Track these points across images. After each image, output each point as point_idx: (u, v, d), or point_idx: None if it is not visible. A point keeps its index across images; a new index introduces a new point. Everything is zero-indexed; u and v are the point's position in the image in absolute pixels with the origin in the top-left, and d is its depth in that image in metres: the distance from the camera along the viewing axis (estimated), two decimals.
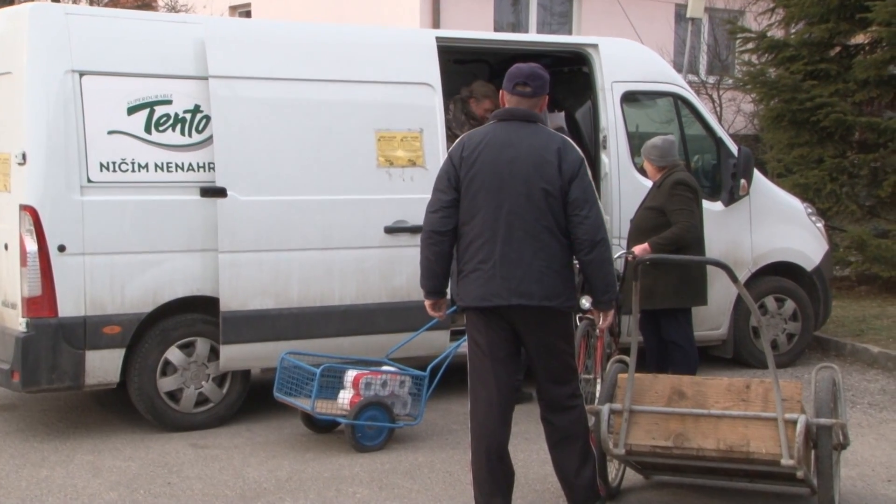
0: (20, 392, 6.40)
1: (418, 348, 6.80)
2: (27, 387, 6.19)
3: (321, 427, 6.38)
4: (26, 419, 6.88)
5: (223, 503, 5.21)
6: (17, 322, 6.19)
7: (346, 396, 6.19)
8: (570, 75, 8.39)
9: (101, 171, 6.24)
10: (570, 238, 4.61)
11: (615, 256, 6.34)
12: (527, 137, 4.61)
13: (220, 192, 6.45)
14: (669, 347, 6.70)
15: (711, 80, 16.64)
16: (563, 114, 8.24)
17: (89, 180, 6.21)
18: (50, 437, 6.41)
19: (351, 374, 6.24)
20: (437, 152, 6.97)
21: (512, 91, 4.68)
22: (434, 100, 7.11)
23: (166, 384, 6.48)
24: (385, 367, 6.39)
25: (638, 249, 6.52)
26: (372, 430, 6.07)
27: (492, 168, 4.58)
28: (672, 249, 6.47)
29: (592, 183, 4.66)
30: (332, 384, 6.25)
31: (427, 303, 4.85)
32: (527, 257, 4.55)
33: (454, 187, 4.64)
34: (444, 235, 4.65)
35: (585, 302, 5.76)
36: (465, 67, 8.72)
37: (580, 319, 6.15)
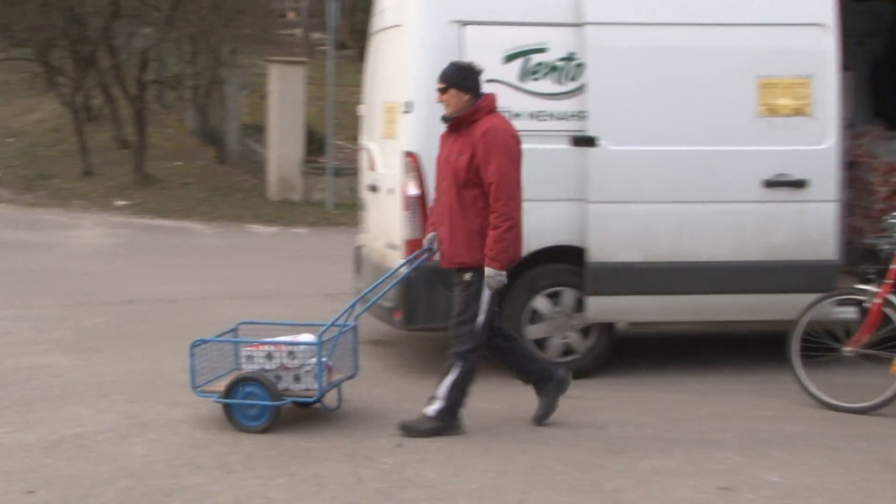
0: (400, 330, 6.80)
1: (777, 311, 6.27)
2: (407, 325, 6.57)
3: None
4: (405, 355, 7.30)
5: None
6: (399, 263, 6.54)
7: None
8: None
9: None
10: None
11: None
12: None
13: (591, 142, 6.38)
14: None
15: None
16: None
17: None
18: (426, 375, 6.73)
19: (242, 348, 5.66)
20: (827, 100, 6.39)
21: None
22: (827, 42, 6.50)
23: (533, 332, 6.58)
24: (280, 338, 5.66)
25: None
26: (253, 408, 5.41)
27: None
28: None
29: None
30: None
31: None
32: None
33: None
34: None
35: None
36: (864, 6, 7.91)
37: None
